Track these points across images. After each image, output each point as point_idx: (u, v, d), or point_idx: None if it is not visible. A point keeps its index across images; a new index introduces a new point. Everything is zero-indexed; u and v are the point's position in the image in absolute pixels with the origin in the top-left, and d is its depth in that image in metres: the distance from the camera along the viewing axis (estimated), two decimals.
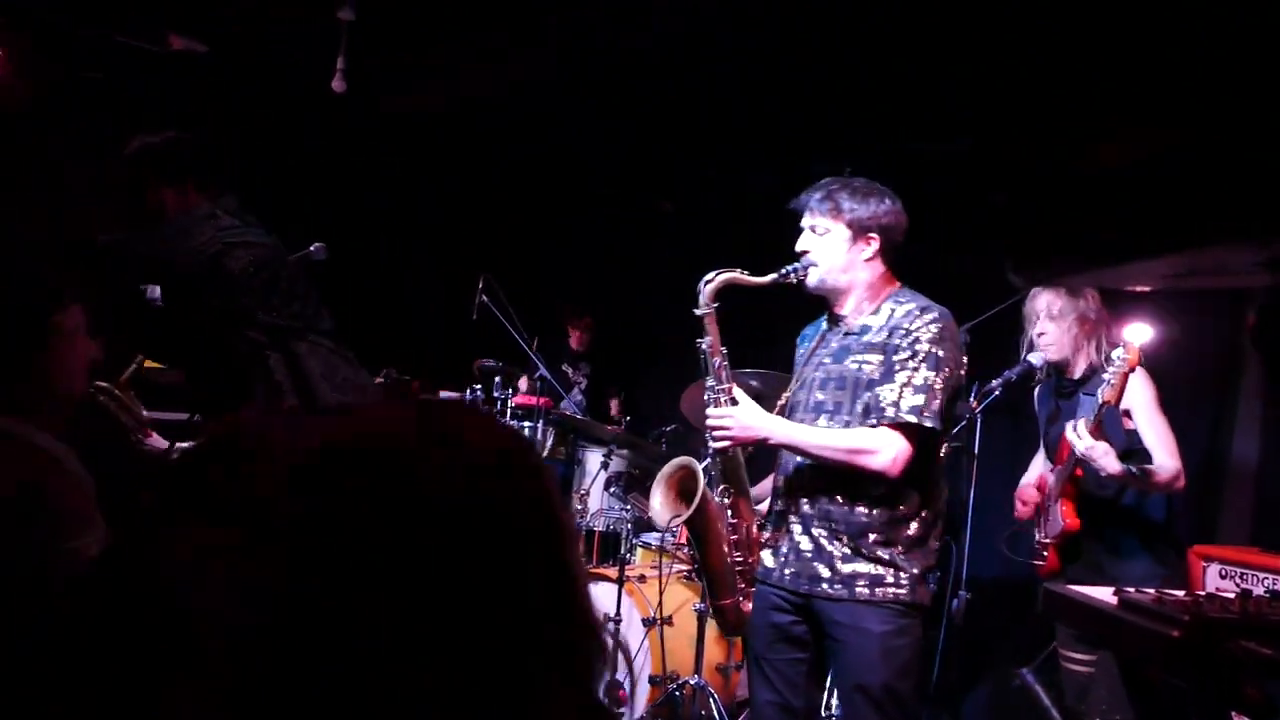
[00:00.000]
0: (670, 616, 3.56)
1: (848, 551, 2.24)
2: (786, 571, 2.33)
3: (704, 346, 2.37)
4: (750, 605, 2.42)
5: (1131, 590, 1.36)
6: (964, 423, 3.27)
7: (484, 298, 4.89)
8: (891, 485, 2.22)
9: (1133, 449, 2.81)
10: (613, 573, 3.64)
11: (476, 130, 5.67)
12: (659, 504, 2.58)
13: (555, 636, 0.58)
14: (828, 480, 2.29)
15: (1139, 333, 2.80)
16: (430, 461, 0.56)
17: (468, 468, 0.57)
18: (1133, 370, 2.67)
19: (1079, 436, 2.73)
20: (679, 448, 4.58)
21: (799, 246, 2.38)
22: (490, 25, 4.40)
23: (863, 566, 2.23)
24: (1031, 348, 2.99)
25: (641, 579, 3.69)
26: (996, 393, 3.17)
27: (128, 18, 4.34)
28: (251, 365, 2.35)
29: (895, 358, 2.23)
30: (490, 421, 0.64)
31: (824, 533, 2.28)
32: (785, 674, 2.34)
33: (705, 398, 2.37)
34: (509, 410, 4.95)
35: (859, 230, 2.31)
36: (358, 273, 5.06)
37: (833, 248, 2.33)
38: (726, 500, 2.43)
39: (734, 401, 2.32)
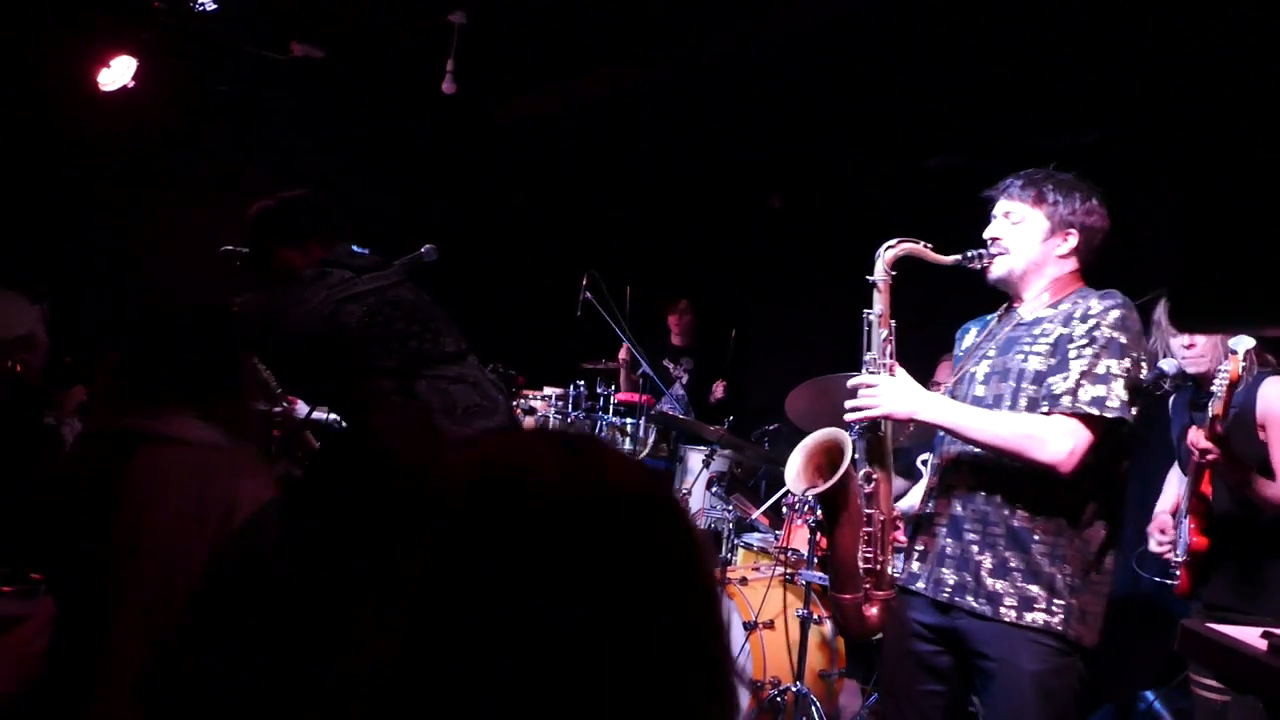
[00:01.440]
0: (772, 620, 3.51)
1: (996, 563, 1.99)
2: (930, 580, 2.10)
3: (871, 317, 2.15)
4: (875, 610, 2.17)
5: None
6: None
7: (588, 295, 4.91)
8: (1063, 488, 1.94)
9: (1263, 464, 2.62)
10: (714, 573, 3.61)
11: (585, 128, 5.71)
12: (795, 472, 2.32)
13: (697, 686, 0.57)
14: (988, 476, 2.04)
15: (1243, 341, 2.59)
16: (576, 499, 0.55)
17: (615, 509, 0.56)
18: (1235, 382, 2.52)
19: (1197, 443, 2.58)
20: (783, 448, 4.51)
21: (988, 233, 2.18)
22: (600, 27, 4.42)
23: (1013, 584, 1.96)
24: (1164, 354, 2.81)
25: (743, 581, 3.65)
26: None
27: (254, 27, 4.54)
28: (377, 408, 2.39)
29: (1071, 345, 1.99)
30: (633, 463, 0.62)
31: (975, 538, 2.03)
32: (921, 708, 2.11)
33: (863, 371, 2.15)
34: (611, 407, 4.97)
35: (1059, 224, 2.12)
36: (467, 270, 5.16)
37: (1027, 237, 2.13)
38: (868, 487, 2.17)
39: (892, 374, 2.11)
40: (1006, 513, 2.00)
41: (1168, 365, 2.78)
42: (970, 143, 4.71)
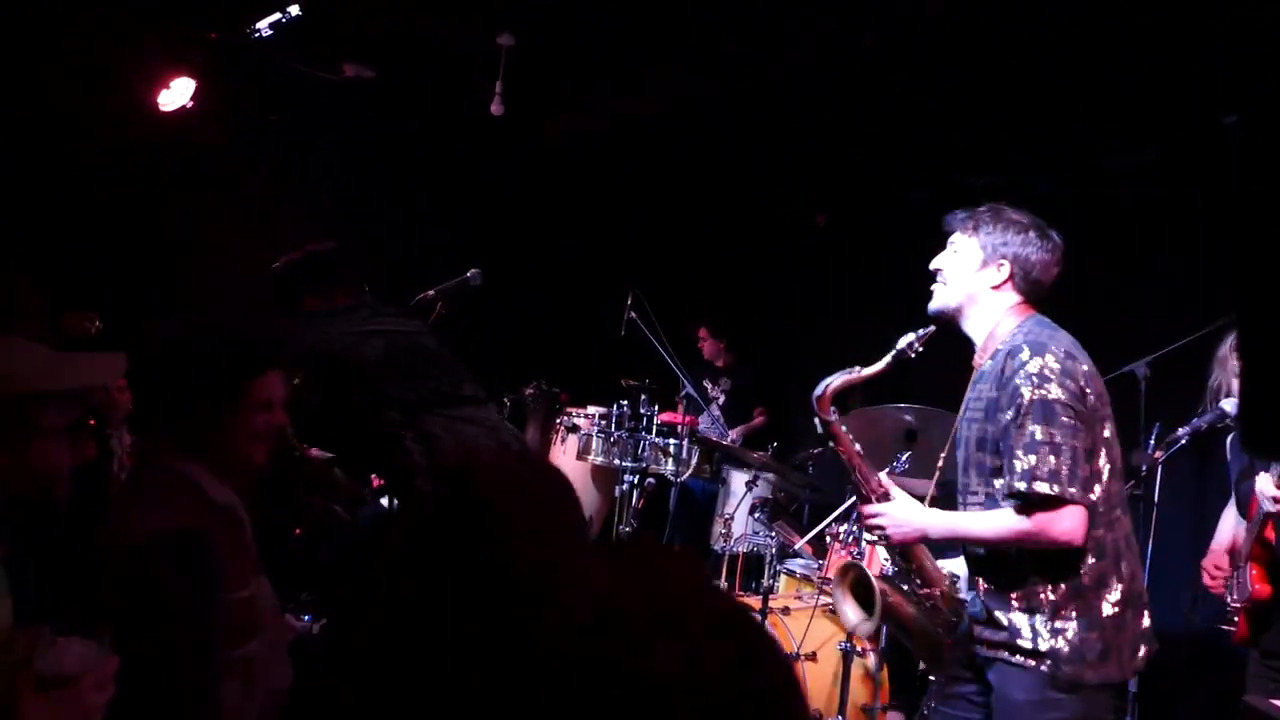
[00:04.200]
0: (815, 652, 3.46)
1: (1001, 602, 2.03)
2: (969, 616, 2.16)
3: (839, 451, 2.22)
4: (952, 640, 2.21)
5: None
6: (1144, 471, 3.01)
7: (632, 314, 4.91)
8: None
9: None
10: (756, 602, 3.58)
11: (631, 148, 5.72)
12: (850, 613, 2.47)
13: None
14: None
15: None
16: (661, 660, 0.53)
17: (705, 665, 0.54)
18: None
19: (1266, 491, 2.48)
20: (826, 473, 4.47)
21: (932, 264, 2.20)
22: (646, 46, 4.42)
23: (1003, 617, 2.01)
24: (1227, 393, 2.72)
25: (785, 611, 3.60)
26: (1183, 442, 2.89)
27: (308, 50, 4.62)
28: (390, 446, 2.44)
29: (1004, 417, 1.98)
30: (725, 602, 0.60)
31: (993, 578, 2.08)
32: None
33: (856, 492, 2.24)
34: (654, 427, 4.96)
35: (991, 253, 2.10)
36: (513, 288, 5.20)
37: (962, 267, 2.14)
38: (919, 588, 2.22)
39: (886, 497, 2.16)
40: (1014, 553, 2.02)
41: (1229, 405, 2.69)
42: (1018, 162, 4.62)
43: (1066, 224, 2.20)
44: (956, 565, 2.25)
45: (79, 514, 1.58)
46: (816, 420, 2.20)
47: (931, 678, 3.32)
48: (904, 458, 3.22)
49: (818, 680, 3.41)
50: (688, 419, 4.99)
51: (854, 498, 3.42)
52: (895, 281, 5.68)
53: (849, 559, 3.46)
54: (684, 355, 5.17)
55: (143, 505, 1.52)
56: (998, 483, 2.01)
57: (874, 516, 2.14)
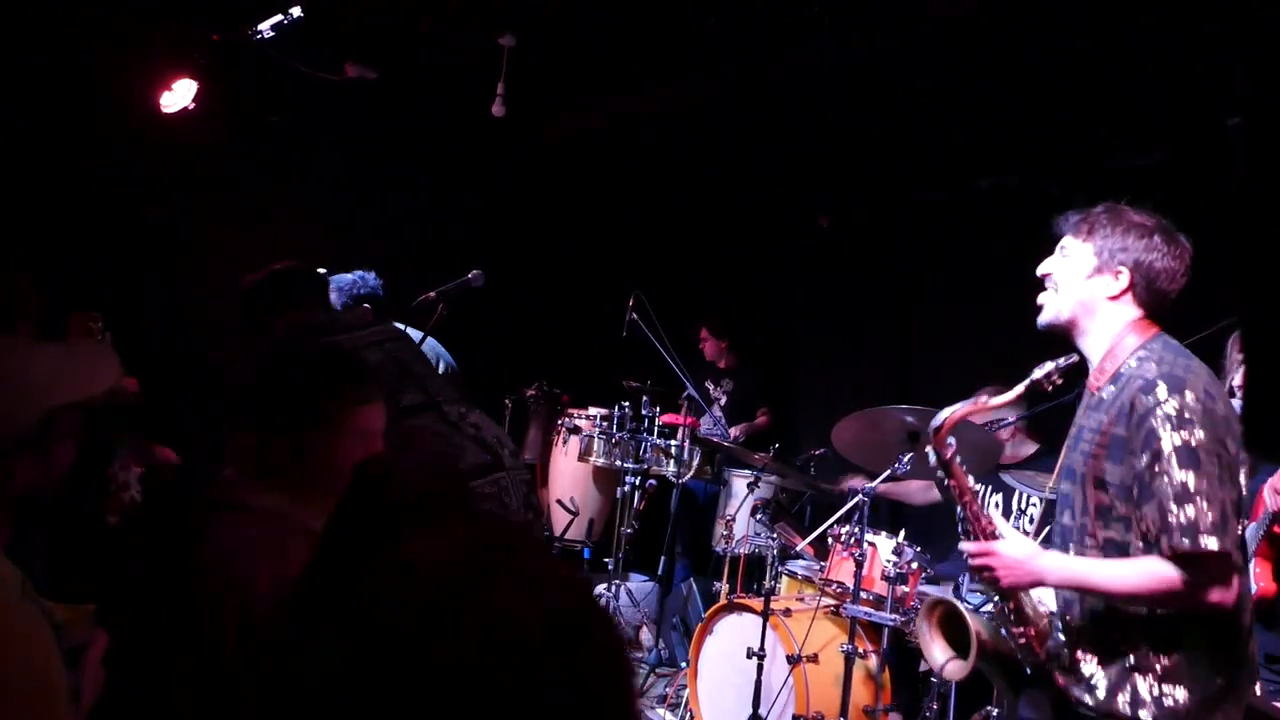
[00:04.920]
0: (816, 654, 3.46)
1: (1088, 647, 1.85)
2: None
3: (949, 485, 1.99)
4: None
5: None
6: None
7: (634, 315, 4.91)
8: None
9: None
10: (757, 604, 3.57)
11: (633, 148, 5.72)
12: (938, 653, 2.34)
13: None
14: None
15: None
16: (559, 678, 0.54)
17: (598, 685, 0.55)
18: None
19: (1274, 493, 2.48)
20: (828, 474, 4.46)
21: (1040, 269, 1.97)
22: (648, 47, 4.42)
23: (1098, 673, 1.83)
24: (1234, 393, 2.70)
25: (787, 613, 3.60)
26: None
27: (310, 51, 4.62)
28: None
29: (1137, 462, 1.75)
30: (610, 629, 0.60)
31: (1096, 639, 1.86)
32: None
33: (958, 529, 2.02)
34: (655, 428, 4.96)
35: (1107, 259, 1.86)
36: (514, 289, 5.19)
37: (1073, 273, 1.89)
38: (1010, 621, 2.00)
39: (995, 536, 1.94)
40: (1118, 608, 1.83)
41: (1235, 404, 2.68)
42: (1023, 163, 4.62)
43: None
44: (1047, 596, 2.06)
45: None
46: (930, 451, 1.99)
47: (934, 679, 3.32)
48: (906, 459, 3.21)
49: (819, 682, 3.41)
50: (689, 420, 4.98)
51: (854, 500, 3.46)
52: (897, 282, 5.72)
53: (850, 558, 3.46)
54: (686, 356, 5.16)
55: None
56: (1117, 529, 1.80)
57: (983, 556, 1.90)
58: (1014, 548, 1.89)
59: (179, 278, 4.60)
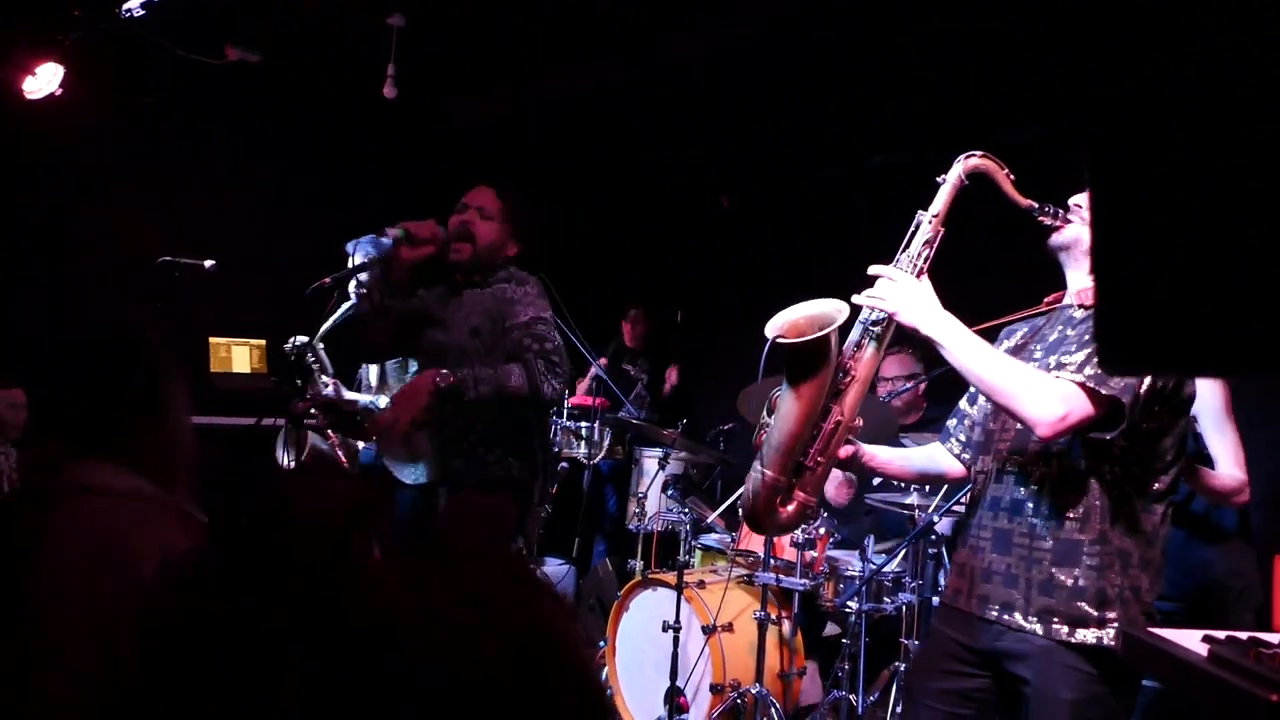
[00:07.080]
0: (730, 623, 3.51)
1: (1044, 580, 1.83)
2: (975, 596, 1.94)
3: (924, 217, 1.90)
4: (791, 508, 1.91)
5: (1222, 638, 1.23)
6: None
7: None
8: (1100, 488, 1.79)
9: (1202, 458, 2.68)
10: (671, 578, 3.60)
11: (537, 131, 5.66)
12: (779, 322, 2.06)
13: None
14: (1034, 489, 1.86)
15: None
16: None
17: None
18: None
19: None
20: (737, 449, 4.52)
21: (1075, 199, 1.96)
22: (549, 29, 4.37)
23: (1062, 601, 1.81)
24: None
25: (701, 585, 3.64)
26: None
27: (187, 32, 4.41)
28: None
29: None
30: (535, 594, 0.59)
31: (1024, 553, 1.87)
32: None
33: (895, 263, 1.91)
34: (565, 411, 4.94)
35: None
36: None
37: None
38: (842, 379, 1.91)
39: (920, 275, 1.87)
40: (1054, 524, 1.83)
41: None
42: (916, 140, 4.75)
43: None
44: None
45: None
46: (947, 171, 1.93)
47: (844, 641, 3.41)
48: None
49: (735, 650, 3.46)
50: (598, 401, 4.98)
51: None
52: (798, 261, 5.83)
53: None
54: (591, 337, 5.15)
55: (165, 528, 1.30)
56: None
57: (890, 279, 1.84)
58: (924, 289, 1.85)
59: (56, 270, 4.36)
